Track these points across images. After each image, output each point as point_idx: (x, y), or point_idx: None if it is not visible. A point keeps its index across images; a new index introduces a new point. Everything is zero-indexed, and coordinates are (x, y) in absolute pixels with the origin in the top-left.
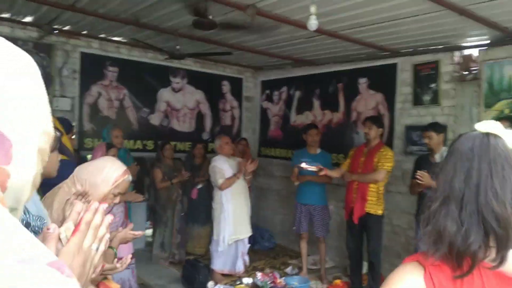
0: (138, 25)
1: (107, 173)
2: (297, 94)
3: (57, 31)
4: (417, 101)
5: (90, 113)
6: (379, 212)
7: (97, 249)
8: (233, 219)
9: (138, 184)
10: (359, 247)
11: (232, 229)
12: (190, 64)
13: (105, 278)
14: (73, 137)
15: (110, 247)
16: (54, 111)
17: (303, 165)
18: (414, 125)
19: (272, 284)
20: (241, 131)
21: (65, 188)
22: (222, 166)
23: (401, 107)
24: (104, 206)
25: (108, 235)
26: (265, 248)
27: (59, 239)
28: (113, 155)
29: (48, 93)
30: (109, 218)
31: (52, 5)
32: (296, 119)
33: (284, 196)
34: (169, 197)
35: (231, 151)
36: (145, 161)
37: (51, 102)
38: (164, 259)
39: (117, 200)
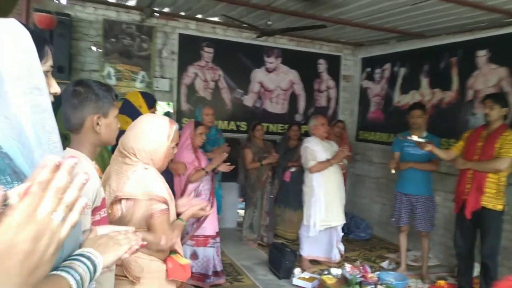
0: (230, 1)
1: (156, 134)
2: (402, 71)
3: (157, 14)
4: None
5: (187, 93)
6: (499, 207)
7: (64, 219)
8: (324, 205)
9: (231, 164)
10: (470, 246)
11: (323, 215)
12: (284, 43)
13: (174, 252)
14: (156, 112)
15: (179, 218)
16: (154, 92)
17: (412, 137)
18: None
19: (362, 279)
20: (338, 113)
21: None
22: (315, 148)
23: None
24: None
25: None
26: (360, 239)
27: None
28: (201, 133)
29: (149, 74)
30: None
31: None
32: (400, 99)
33: (384, 184)
34: (259, 178)
35: (326, 133)
36: (239, 142)
37: (151, 82)
38: (253, 241)
39: (175, 150)
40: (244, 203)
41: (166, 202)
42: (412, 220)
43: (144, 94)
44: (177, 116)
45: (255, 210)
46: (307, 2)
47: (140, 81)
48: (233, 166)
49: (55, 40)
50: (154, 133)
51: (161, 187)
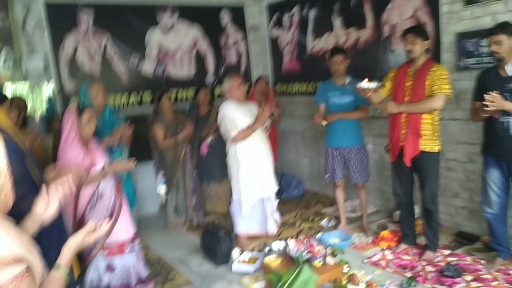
0: None
1: None
2: (312, 13)
3: None
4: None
5: (69, 70)
6: (436, 148)
7: None
8: (253, 176)
9: (140, 145)
10: (410, 193)
11: (254, 187)
12: None
13: None
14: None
15: (55, 266)
16: (24, 73)
17: (362, 84)
18: (468, 31)
19: (309, 254)
20: (250, 69)
21: None
22: (233, 114)
23: (448, 11)
24: None
25: None
26: (293, 197)
27: None
28: (89, 118)
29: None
30: None
31: None
32: (314, 44)
33: (309, 137)
34: (176, 156)
35: (243, 95)
36: (145, 118)
37: (20, 60)
38: (181, 225)
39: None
40: (163, 179)
41: (22, 259)
42: (346, 173)
43: None
44: (62, 98)
45: (179, 191)
46: None
47: (4, 61)
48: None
49: None
50: None
51: (5, 241)
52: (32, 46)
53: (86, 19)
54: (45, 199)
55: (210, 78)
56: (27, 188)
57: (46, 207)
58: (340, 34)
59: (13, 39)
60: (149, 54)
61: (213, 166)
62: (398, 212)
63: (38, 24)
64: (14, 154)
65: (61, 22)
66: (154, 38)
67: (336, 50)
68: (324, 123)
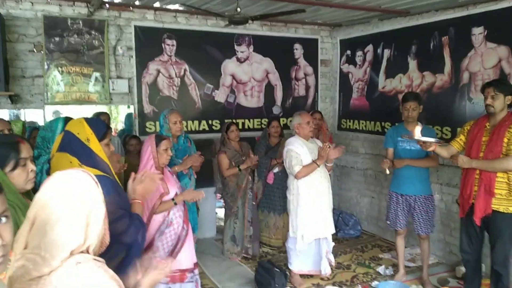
0: None
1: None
2: (387, 53)
3: (107, 4)
4: None
5: (149, 93)
6: (511, 209)
7: None
8: (312, 214)
9: (207, 171)
10: (478, 251)
11: (311, 226)
12: (256, 29)
13: None
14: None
15: None
16: (111, 95)
17: (418, 136)
18: None
19: None
20: (317, 101)
21: None
22: (299, 150)
23: None
24: None
25: None
26: (350, 236)
27: None
28: (166, 149)
29: (103, 75)
30: None
31: None
32: (386, 84)
33: (371, 176)
34: (238, 185)
35: (312, 133)
36: (213, 143)
37: (107, 84)
38: (236, 254)
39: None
40: (221, 200)
41: None
42: (410, 222)
43: (91, 122)
44: (140, 120)
45: (237, 221)
46: None
47: (93, 84)
48: (203, 158)
49: None
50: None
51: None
52: (119, 70)
53: (169, 48)
54: (138, 276)
55: (277, 109)
56: (122, 214)
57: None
58: (414, 76)
59: (104, 63)
60: (223, 83)
61: (276, 197)
62: (461, 268)
63: (127, 50)
64: (113, 191)
65: (147, 49)
66: (229, 68)
67: (410, 95)
68: (388, 172)
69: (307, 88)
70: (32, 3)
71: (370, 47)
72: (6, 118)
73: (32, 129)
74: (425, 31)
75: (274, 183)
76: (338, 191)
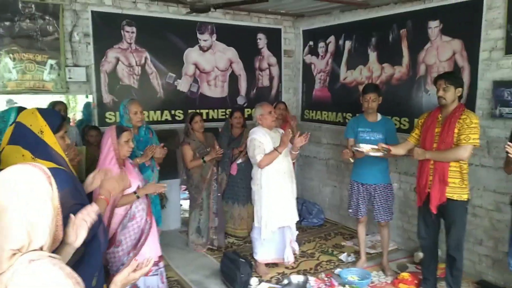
0: None
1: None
2: (348, 44)
3: None
4: (511, 48)
5: (108, 82)
6: (464, 196)
7: None
8: (276, 204)
9: (171, 162)
10: (434, 237)
11: (275, 215)
12: (218, 17)
13: None
14: (66, 133)
15: None
16: (68, 83)
17: (364, 147)
18: (506, 80)
19: None
20: (281, 92)
21: None
22: (262, 140)
23: (487, 57)
24: None
25: None
26: (313, 225)
27: None
28: (127, 141)
29: (59, 63)
30: None
31: None
32: (347, 75)
33: (333, 166)
34: (203, 177)
35: (274, 122)
36: (176, 134)
37: (63, 72)
38: (202, 245)
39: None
40: (185, 192)
41: None
42: (370, 210)
43: (44, 113)
44: (99, 110)
45: (202, 212)
46: None
47: (48, 72)
48: (166, 149)
49: None
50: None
51: (64, 282)
52: (76, 58)
53: (129, 35)
54: (74, 228)
55: (241, 99)
56: (77, 209)
57: (76, 236)
58: (374, 68)
59: (60, 50)
60: (185, 72)
61: (240, 188)
62: (419, 253)
63: (84, 36)
64: (68, 184)
65: (105, 36)
66: (192, 56)
67: (370, 87)
68: (352, 160)
69: (271, 78)
70: None
71: (332, 38)
72: None
73: None
74: (384, 24)
75: (237, 174)
76: (301, 180)
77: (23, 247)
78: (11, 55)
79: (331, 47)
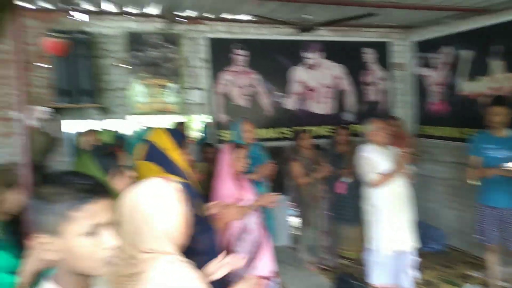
0: None
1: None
2: (466, 54)
3: (182, 19)
4: None
5: (223, 103)
6: None
7: None
8: (391, 226)
9: (279, 179)
10: None
11: (390, 237)
12: (324, 34)
13: None
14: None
15: None
16: (187, 105)
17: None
18: None
19: None
20: (391, 107)
21: None
22: (374, 157)
23: None
24: None
25: None
26: (434, 251)
27: None
28: (241, 157)
29: (180, 86)
30: None
31: None
32: (467, 87)
33: (456, 186)
34: (312, 194)
35: (386, 138)
36: (284, 151)
37: (183, 95)
38: (313, 264)
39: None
40: (294, 209)
41: None
42: (502, 236)
43: (171, 132)
44: (214, 129)
45: (312, 231)
46: None
47: (171, 95)
48: (276, 167)
49: (76, 62)
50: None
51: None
52: (194, 81)
53: (240, 58)
54: (217, 266)
55: (349, 115)
56: (200, 227)
57: (214, 272)
58: (499, 79)
59: (179, 74)
60: (292, 91)
61: (348, 208)
62: None
63: (201, 61)
64: (192, 198)
65: (219, 60)
66: (298, 75)
67: (497, 100)
68: (476, 182)
69: (380, 93)
70: (115, 21)
71: (447, 49)
72: (92, 128)
73: (118, 138)
74: (509, 30)
75: (347, 193)
76: (420, 202)
77: (160, 250)
78: (141, 81)
79: (447, 58)
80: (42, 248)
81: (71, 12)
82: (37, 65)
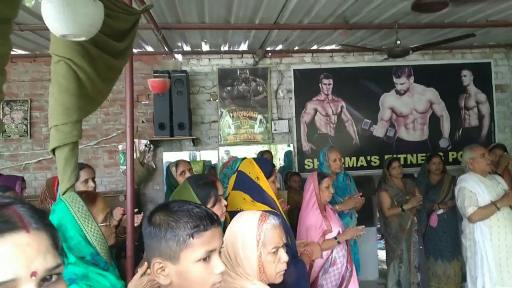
0: (348, 28)
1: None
2: None
3: (270, 53)
4: None
5: (307, 132)
6: None
7: None
8: (494, 263)
9: (367, 209)
10: None
11: (494, 276)
12: (416, 59)
13: None
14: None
15: None
16: (273, 135)
17: None
18: None
19: None
20: (494, 132)
21: None
22: (474, 189)
23: None
24: None
25: None
26: None
27: None
28: (327, 186)
29: (266, 117)
30: None
31: (257, 28)
32: None
33: None
34: (402, 226)
35: (489, 167)
36: (373, 180)
37: (269, 125)
38: None
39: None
40: (382, 241)
41: None
42: None
43: (259, 162)
44: (299, 158)
45: (401, 265)
46: (445, 10)
47: (258, 126)
48: (363, 199)
49: (174, 98)
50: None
51: None
52: (280, 112)
53: (326, 87)
54: None
55: (444, 141)
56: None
57: None
58: None
59: (267, 106)
60: (382, 117)
61: (443, 241)
62: None
63: (287, 92)
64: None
65: (305, 90)
66: (388, 101)
67: None
68: None
69: (480, 117)
70: (209, 59)
71: None
72: (187, 158)
73: (210, 167)
74: None
75: (438, 225)
76: None
77: (250, 276)
78: (230, 113)
79: None
80: (157, 273)
81: (172, 54)
82: (140, 102)
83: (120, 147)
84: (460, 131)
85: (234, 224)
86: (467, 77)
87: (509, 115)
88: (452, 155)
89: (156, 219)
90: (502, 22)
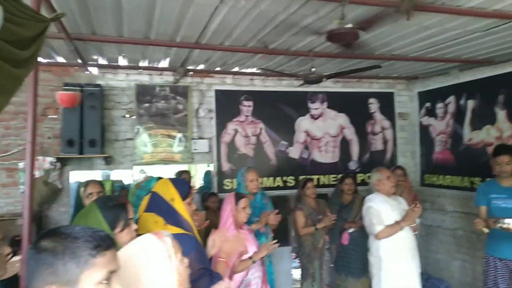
0: (267, 52)
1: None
2: (471, 104)
3: (191, 72)
4: None
5: (227, 152)
6: None
7: None
8: (397, 279)
9: (282, 229)
10: None
11: None
12: (329, 86)
13: None
14: (193, 200)
15: None
16: (193, 154)
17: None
18: None
19: None
20: (396, 156)
21: None
22: (380, 208)
23: None
24: None
25: None
26: None
27: None
28: (244, 207)
29: (186, 136)
30: None
31: (177, 46)
32: (472, 136)
33: (462, 236)
34: (315, 245)
35: (394, 188)
36: (289, 200)
37: (189, 145)
38: None
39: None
40: (296, 260)
41: None
42: None
43: (175, 182)
44: (218, 178)
45: (314, 283)
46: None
47: (177, 145)
48: (280, 216)
49: (86, 113)
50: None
51: None
52: (201, 131)
53: (246, 108)
54: None
55: (354, 164)
56: (202, 273)
57: None
58: (504, 127)
59: (187, 124)
60: (297, 140)
61: (353, 258)
62: None
63: (208, 112)
64: (194, 250)
65: (226, 110)
66: (303, 125)
67: (503, 148)
68: (486, 230)
69: (385, 142)
70: (127, 74)
71: (451, 99)
72: (99, 178)
73: (121, 188)
74: None
75: (350, 243)
76: (424, 252)
77: None
78: (148, 131)
79: (451, 108)
80: None
81: (85, 67)
82: (47, 116)
83: (20, 165)
84: (368, 155)
85: (129, 250)
86: (373, 105)
87: (409, 140)
88: (360, 177)
89: (46, 245)
90: (403, 56)
